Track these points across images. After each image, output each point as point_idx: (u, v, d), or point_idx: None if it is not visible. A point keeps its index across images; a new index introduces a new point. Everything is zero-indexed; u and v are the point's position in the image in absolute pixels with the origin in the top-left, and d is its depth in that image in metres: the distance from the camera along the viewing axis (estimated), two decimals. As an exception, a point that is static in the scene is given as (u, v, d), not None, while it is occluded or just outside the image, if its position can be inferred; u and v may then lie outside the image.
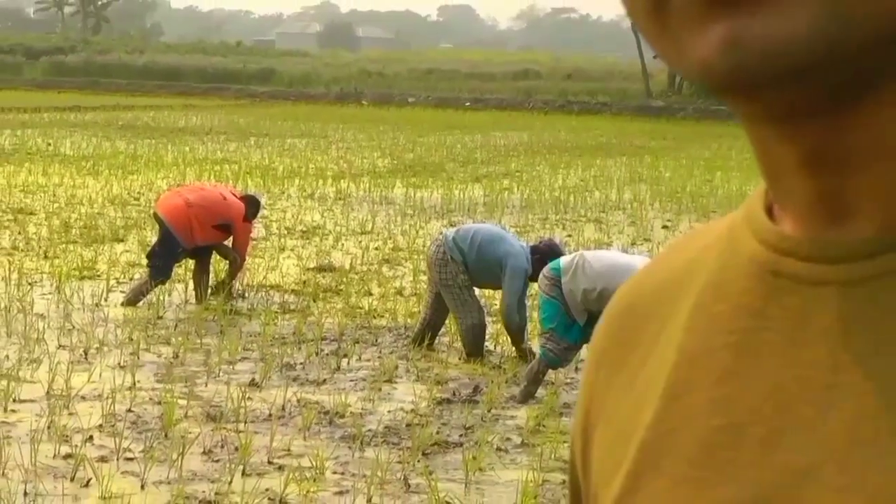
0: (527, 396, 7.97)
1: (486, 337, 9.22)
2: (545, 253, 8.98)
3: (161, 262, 10.44)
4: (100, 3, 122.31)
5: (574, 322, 7.88)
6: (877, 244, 0.62)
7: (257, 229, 12.51)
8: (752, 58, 0.56)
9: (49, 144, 27.50)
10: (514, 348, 9.12)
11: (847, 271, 0.62)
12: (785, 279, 0.65)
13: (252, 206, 10.92)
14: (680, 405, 0.69)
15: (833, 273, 0.63)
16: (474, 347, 8.97)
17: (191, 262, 10.91)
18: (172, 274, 10.72)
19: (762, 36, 0.55)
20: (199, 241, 10.48)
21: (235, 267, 10.85)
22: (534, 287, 8.83)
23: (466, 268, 8.90)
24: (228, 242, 10.79)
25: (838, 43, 0.55)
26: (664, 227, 16.53)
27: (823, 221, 0.64)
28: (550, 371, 8.62)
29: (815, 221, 0.64)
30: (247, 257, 11.18)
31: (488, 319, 9.35)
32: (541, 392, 8.13)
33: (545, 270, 8.18)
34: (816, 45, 0.55)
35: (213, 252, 10.85)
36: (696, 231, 0.77)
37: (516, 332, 9.02)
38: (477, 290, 9.28)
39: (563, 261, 8.10)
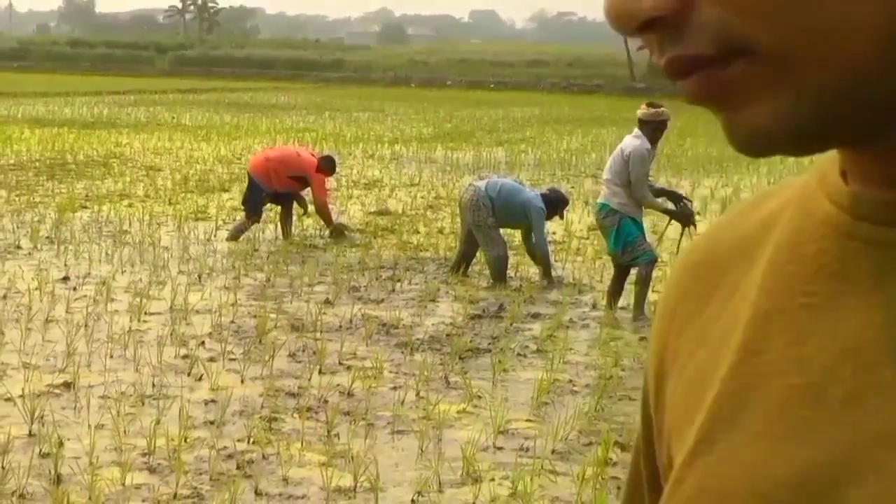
0: (642, 299, 7.78)
1: (509, 266, 9.04)
2: (552, 199, 9.02)
3: (251, 204, 10.36)
4: (212, 10, 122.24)
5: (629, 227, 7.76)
6: None
7: (331, 183, 12.33)
8: (751, 142, 0.50)
9: (173, 118, 27.48)
10: (539, 272, 8.95)
11: None
12: (859, 242, 0.53)
13: (327, 162, 10.73)
14: (756, 362, 0.55)
15: None
16: (499, 274, 8.82)
17: (278, 209, 10.77)
18: (265, 216, 10.61)
19: (747, 124, 0.49)
20: (277, 187, 10.37)
21: (318, 212, 10.66)
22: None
23: (493, 212, 8.75)
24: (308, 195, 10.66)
25: (820, 117, 0.48)
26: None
27: None
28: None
29: (889, 185, 0.52)
30: (328, 201, 10.99)
31: (510, 253, 9.18)
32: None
33: (597, 213, 8.04)
34: (789, 129, 0.48)
35: (295, 200, 10.72)
36: (770, 191, 0.63)
37: (545, 258, 8.88)
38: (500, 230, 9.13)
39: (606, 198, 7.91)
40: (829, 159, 0.56)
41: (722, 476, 0.55)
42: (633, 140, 7.84)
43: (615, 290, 8.05)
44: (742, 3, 0.47)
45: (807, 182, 0.58)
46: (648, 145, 7.79)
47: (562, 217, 9.54)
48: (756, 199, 0.64)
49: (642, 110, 7.92)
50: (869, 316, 0.51)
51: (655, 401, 0.66)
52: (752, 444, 0.54)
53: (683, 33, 0.48)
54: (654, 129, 7.84)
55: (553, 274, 8.99)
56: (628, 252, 7.83)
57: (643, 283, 7.80)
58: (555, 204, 9.02)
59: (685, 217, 8.03)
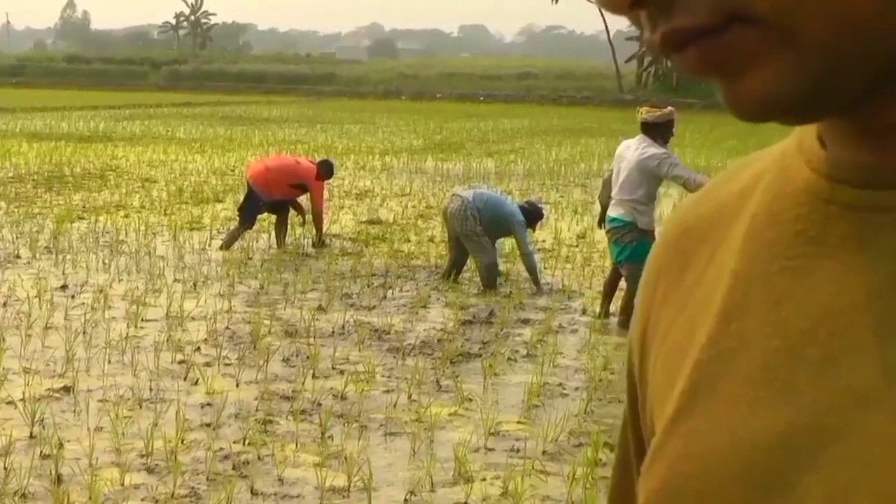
0: (631, 306, 7.64)
1: (499, 273, 9.08)
2: (529, 212, 9.08)
3: (247, 213, 10.35)
4: (205, 26, 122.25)
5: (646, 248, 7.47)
6: None
7: (329, 193, 12.34)
8: (755, 109, 0.48)
9: (168, 130, 27.49)
10: (528, 280, 8.96)
11: None
12: (838, 206, 0.52)
13: (325, 167, 10.73)
14: (736, 327, 0.55)
15: (888, 199, 0.50)
16: (490, 281, 8.85)
17: (273, 217, 10.80)
18: (257, 225, 10.63)
19: (750, 91, 0.48)
20: (276, 196, 10.36)
21: (314, 220, 10.66)
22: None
23: (481, 222, 8.79)
24: (305, 201, 10.66)
25: (821, 82, 0.46)
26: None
27: (876, 148, 0.51)
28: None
29: (868, 149, 0.51)
30: (324, 209, 11.00)
31: (500, 260, 9.22)
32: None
33: (613, 226, 7.67)
34: (795, 94, 0.47)
35: (290, 209, 10.74)
36: (749, 159, 0.63)
37: (533, 267, 8.90)
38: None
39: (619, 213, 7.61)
40: (805, 127, 0.56)
41: (704, 440, 0.55)
42: (647, 147, 7.44)
43: (609, 291, 7.97)
44: None
45: (784, 149, 0.58)
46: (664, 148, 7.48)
47: (534, 230, 9.52)
48: (733, 168, 0.63)
49: (651, 113, 7.52)
50: (847, 279, 0.51)
51: (640, 371, 0.66)
52: (733, 407, 0.54)
53: (676, 4, 0.47)
54: (665, 129, 7.52)
55: (542, 281, 9.03)
56: (631, 268, 7.52)
57: (633, 295, 7.79)
58: (531, 216, 9.10)
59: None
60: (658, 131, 7.52)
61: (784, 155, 0.57)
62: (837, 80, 0.46)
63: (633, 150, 7.57)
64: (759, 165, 0.60)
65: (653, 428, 0.62)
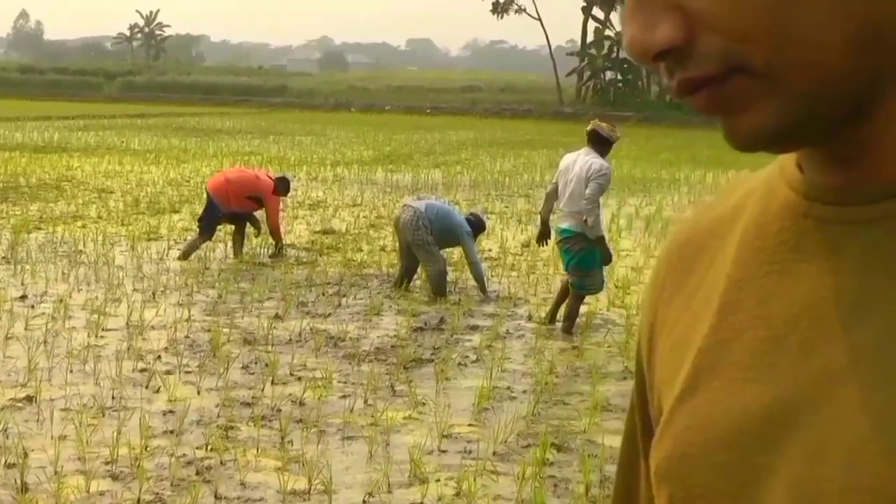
0: (575, 313, 7.81)
1: (448, 281, 9.15)
2: (474, 223, 9.19)
3: (206, 223, 10.33)
4: (159, 37, 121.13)
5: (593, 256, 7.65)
6: (891, 190, 0.58)
7: (284, 203, 12.33)
8: (749, 141, 0.58)
9: (123, 142, 27.19)
10: (476, 287, 9.04)
11: (866, 212, 0.59)
12: (813, 220, 0.62)
13: (282, 184, 10.73)
14: (731, 321, 0.65)
15: (854, 214, 0.60)
16: (439, 289, 8.92)
17: (230, 228, 10.77)
18: (215, 235, 10.59)
19: (744, 128, 0.58)
20: (234, 208, 10.34)
21: (272, 233, 10.63)
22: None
23: (432, 232, 8.86)
24: (261, 215, 10.65)
25: (800, 121, 0.57)
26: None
27: (843, 171, 0.60)
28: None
29: (836, 172, 0.60)
30: (280, 222, 10.99)
31: (448, 269, 9.29)
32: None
33: (566, 240, 7.74)
34: (780, 130, 0.57)
35: (248, 221, 10.72)
36: (740, 179, 0.73)
37: (480, 275, 9.02)
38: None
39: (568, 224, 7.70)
40: (787, 154, 0.65)
41: (704, 414, 0.64)
42: (594, 158, 7.55)
43: (561, 298, 8.00)
44: (738, 32, 0.55)
45: (770, 173, 0.67)
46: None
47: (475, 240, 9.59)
48: (728, 187, 0.73)
49: (607, 128, 7.63)
50: (821, 279, 0.60)
51: (648, 361, 0.74)
52: (728, 386, 0.63)
53: (690, 59, 0.56)
54: (610, 146, 7.68)
55: (489, 288, 9.12)
56: (578, 276, 7.72)
57: (577, 302, 7.86)
58: (476, 227, 9.21)
59: (609, 257, 7.81)
60: (604, 145, 7.67)
61: (769, 177, 0.67)
62: (812, 119, 0.57)
63: (578, 162, 7.66)
64: (749, 186, 0.70)
65: (660, 408, 0.70)
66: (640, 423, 0.78)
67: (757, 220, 0.66)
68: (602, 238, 7.71)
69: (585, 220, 7.55)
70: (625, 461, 0.82)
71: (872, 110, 0.57)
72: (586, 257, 7.67)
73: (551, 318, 8.03)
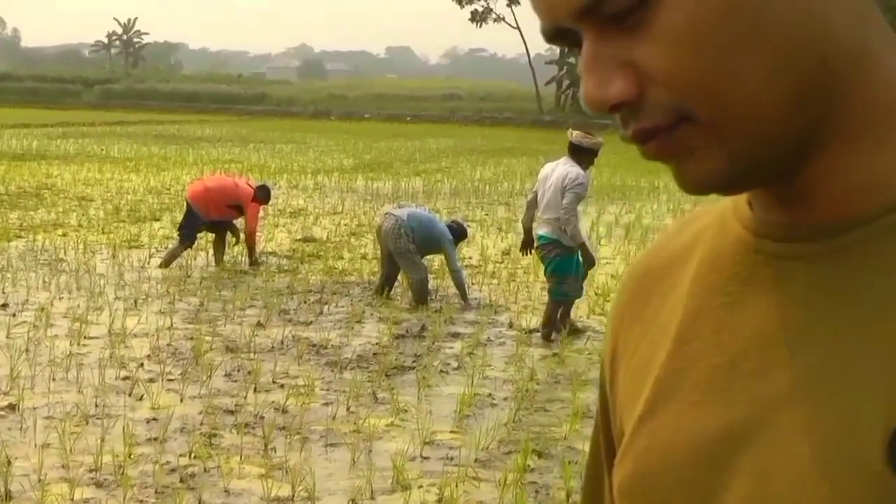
0: (553, 320, 7.82)
1: (429, 289, 9.19)
2: (456, 231, 9.26)
3: (186, 231, 10.33)
4: (137, 45, 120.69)
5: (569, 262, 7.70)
6: (833, 228, 0.63)
7: (265, 212, 12.34)
8: (696, 186, 0.63)
9: (102, 149, 27.11)
10: (457, 295, 9.10)
11: (811, 249, 0.64)
12: (763, 255, 0.66)
13: (262, 192, 10.72)
14: (687, 348, 0.69)
15: (801, 250, 0.64)
16: (421, 296, 8.95)
17: (212, 236, 10.78)
18: (196, 243, 10.59)
19: (692, 174, 0.63)
20: (214, 216, 10.35)
21: (246, 240, 10.64)
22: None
23: (414, 240, 8.90)
24: (241, 224, 10.66)
25: (741, 170, 0.62)
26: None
27: (789, 211, 0.65)
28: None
29: (783, 211, 0.65)
30: (257, 230, 10.98)
31: (430, 276, 9.33)
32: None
33: (543, 246, 7.83)
34: (724, 178, 0.62)
35: (228, 230, 10.73)
36: (695, 215, 0.77)
37: (461, 283, 9.07)
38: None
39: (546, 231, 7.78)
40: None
41: (663, 436, 0.68)
42: (571, 168, 7.60)
43: (566, 313, 8.03)
44: (684, 88, 0.60)
45: (724, 208, 0.71)
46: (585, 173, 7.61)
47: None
48: (685, 221, 0.78)
49: (585, 138, 7.62)
50: (770, 310, 0.64)
51: (611, 384, 0.78)
52: (686, 409, 0.67)
53: (642, 111, 0.61)
54: (591, 155, 7.68)
55: (470, 296, 9.17)
56: (555, 281, 7.80)
57: (555, 309, 7.91)
58: (458, 235, 9.29)
59: (591, 261, 7.86)
60: (584, 155, 7.69)
61: (723, 213, 0.71)
62: (755, 167, 0.61)
63: (556, 171, 7.72)
64: (703, 222, 0.74)
65: (622, 429, 0.74)
66: (604, 443, 0.82)
67: (711, 255, 0.70)
68: (584, 245, 7.76)
69: (564, 230, 7.62)
70: (590, 477, 0.86)
71: (814, 156, 0.62)
72: (562, 263, 7.74)
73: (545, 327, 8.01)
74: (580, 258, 7.79)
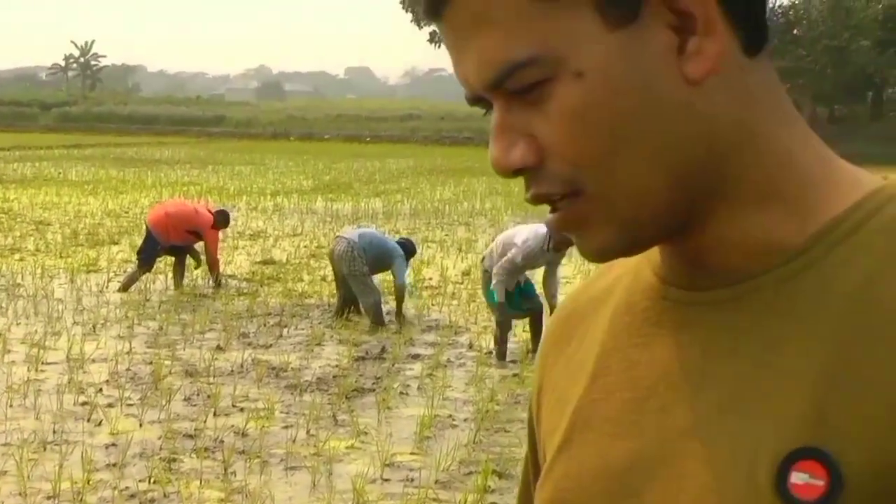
0: (503, 343, 7.95)
1: (390, 313, 9.21)
2: (406, 248, 9.48)
3: (145, 256, 10.30)
4: (95, 67, 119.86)
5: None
6: (728, 277, 0.69)
7: (224, 234, 12.31)
8: (595, 255, 0.69)
9: (60, 173, 26.84)
10: (417, 316, 9.22)
11: (709, 296, 0.70)
12: (671, 301, 0.72)
13: (221, 217, 10.72)
14: (602, 383, 0.75)
15: (700, 297, 0.70)
16: (377, 318, 8.96)
17: (171, 260, 10.73)
18: (155, 267, 10.54)
19: (588, 245, 0.69)
20: (174, 241, 10.34)
21: (210, 269, 10.64)
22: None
23: (366, 261, 8.95)
24: (201, 247, 10.65)
25: (632, 240, 0.68)
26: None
27: (689, 263, 0.71)
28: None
29: (685, 263, 0.71)
30: (218, 255, 10.96)
31: (383, 298, 9.35)
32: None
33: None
34: (617, 248, 0.69)
35: (188, 253, 10.71)
36: (612, 264, 0.82)
37: (402, 297, 9.27)
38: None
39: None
40: None
41: (579, 463, 0.74)
42: (532, 234, 7.85)
43: (534, 333, 8.13)
44: (574, 162, 0.66)
45: (640, 257, 0.77)
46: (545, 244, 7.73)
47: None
48: (606, 266, 0.83)
49: None
50: (675, 351, 0.70)
51: (537, 417, 0.85)
52: (598, 440, 0.73)
53: (541, 177, 0.68)
54: None
55: (429, 317, 9.20)
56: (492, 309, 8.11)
57: (499, 328, 8.01)
58: (407, 252, 9.45)
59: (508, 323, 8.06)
60: None
61: (639, 262, 0.78)
62: (642, 235, 0.69)
63: (526, 231, 7.99)
64: (621, 269, 0.81)
65: (545, 457, 0.80)
66: (533, 472, 0.87)
67: (626, 299, 0.77)
68: (498, 307, 7.86)
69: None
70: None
71: (707, 219, 0.68)
72: (493, 292, 7.99)
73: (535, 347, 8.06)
74: (523, 288, 8.10)
